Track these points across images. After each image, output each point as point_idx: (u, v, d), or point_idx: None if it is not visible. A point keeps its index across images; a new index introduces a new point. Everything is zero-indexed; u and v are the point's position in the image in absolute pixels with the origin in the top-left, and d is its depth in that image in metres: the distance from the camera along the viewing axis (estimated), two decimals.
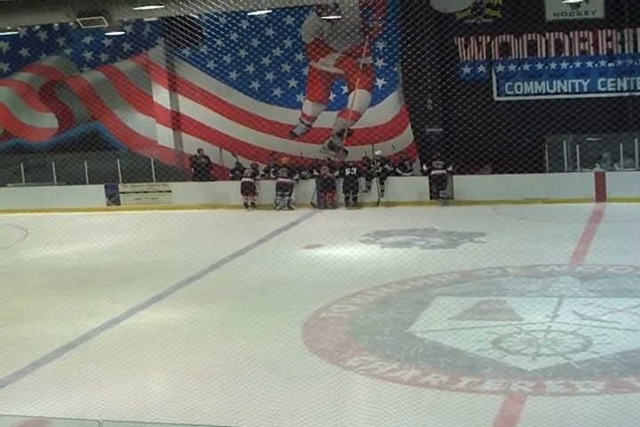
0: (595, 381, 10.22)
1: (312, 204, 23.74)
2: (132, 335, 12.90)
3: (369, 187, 23.60)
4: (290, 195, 23.77)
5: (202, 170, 25.29)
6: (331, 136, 25.37)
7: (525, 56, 23.76)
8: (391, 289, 14.76)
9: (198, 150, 25.55)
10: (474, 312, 13.20)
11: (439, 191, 22.90)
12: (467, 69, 24.20)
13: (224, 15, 24.01)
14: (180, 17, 20.24)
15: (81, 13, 15.20)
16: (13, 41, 27.20)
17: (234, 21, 24.76)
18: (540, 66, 23.74)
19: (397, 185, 23.51)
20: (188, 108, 26.49)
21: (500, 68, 23.99)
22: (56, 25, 25.92)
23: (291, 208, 23.68)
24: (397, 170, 23.69)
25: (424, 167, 23.38)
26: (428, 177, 23.09)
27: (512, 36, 23.71)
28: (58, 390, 10.79)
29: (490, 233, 18.85)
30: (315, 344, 12.14)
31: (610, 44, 23.14)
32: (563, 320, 12.50)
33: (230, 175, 25.09)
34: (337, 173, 23.76)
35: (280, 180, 23.77)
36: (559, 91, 23.65)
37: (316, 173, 23.94)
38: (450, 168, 22.88)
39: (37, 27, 26.04)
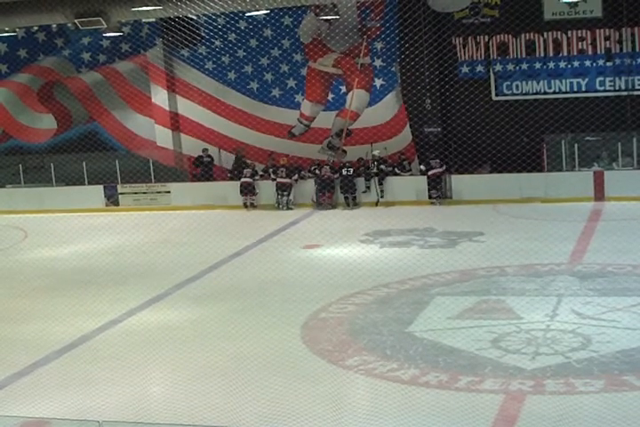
0: (594, 379, 10.23)
1: (313, 200, 23.74)
2: (131, 336, 12.91)
3: (368, 187, 23.60)
4: (289, 195, 23.79)
5: (206, 169, 25.41)
6: (329, 136, 25.38)
7: (523, 55, 23.77)
8: (390, 289, 14.77)
9: (203, 150, 25.62)
10: (473, 312, 13.21)
11: (431, 191, 22.89)
12: (465, 69, 24.22)
13: (222, 16, 24.03)
14: (178, 18, 20.23)
15: (79, 14, 15.21)
16: (12, 42, 27.23)
17: (232, 22, 24.79)
18: (538, 65, 23.75)
19: (396, 185, 23.52)
20: (187, 108, 26.49)
21: (499, 67, 24.01)
22: (54, 26, 25.94)
23: (290, 208, 23.69)
24: (396, 170, 23.71)
25: (422, 167, 23.40)
26: (426, 177, 23.11)
27: (510, 36, 23.73)
28: (58, 390, 10.79)
29: (488, 232, 18.87)
30: (314, 344, 12.15)
31: (608, 43, 23.15)
32: (562, 319, 12.52)
33: (229, 175, 25.15)
34: (336, 174, 23.78)
35: (279, 180, 23.79)
36: (557, 90, 23.67)
37: (317, 171, 23.96)
38: (444, 167, 22.91)
39: (36, 28, 26.06)
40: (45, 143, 27.54)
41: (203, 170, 25.58)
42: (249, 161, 25.36)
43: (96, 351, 12.41)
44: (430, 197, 23.00)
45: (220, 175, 25.74)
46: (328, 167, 23.81)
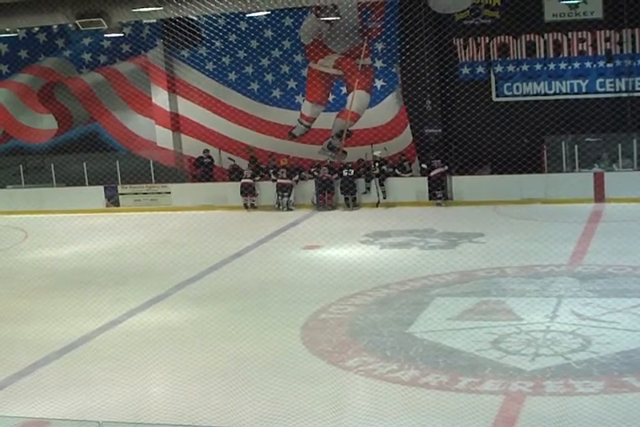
0: (594, 381, 10.24)
1: (312, 202, 23.78)
2: (131, 336, 12.93)
3: (368, 188, 23.62)
4: (289, 196, 23.80)
5: (206, 169, 25.48)
6: (330, 137, 25.39)
7: (524, 57, 23.78)
8: (390, 290, 14.78)
9: (204, 151, 25.66)
10: (473, 313, 13.22)
11: (436, 192, 22.92)
12: (465, 70, 24.23)
13: (223, 16, 24.05)
14: (178, 18, 20.25)
15: (80, 15, 15.21)
16: (12, 43, 27.25)
17: (232, 23, 24.80)
18: (538, 66, 23.76)
19: (396, 186, 23.53)
20: (187, 109, 26.50)
21: (499, 68, 24.01)
22: (55, 27, 25.95)
23: (290, 209, 23.71)
24: (396, 171, 23.71)
25: (424, 166, 23.40)
26: (427, 178, 23.12)
27: (511, 37, 23.74)
28: (58, 391, 10.80)
29: (489, 233, 18.87)
30: (314, 345, 12.16)
31: (608, 44, 23.15)
32: (562, 320, 12.53)
33: (229, 176, 25.22)
34: (335, 175, 23.80)
35: (279, 181, 23.81)
36: (558, 91, 23.67)
37: (316, 173, 23.99)
38: (446, 167, 22.96)
39: (36, 28, 26.06)
40: (46, 144, 27.55)
41: (203, 171, 25.64)
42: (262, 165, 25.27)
43: (96, 352, 12.42)
44: (435, 197, 22.97)
45: (221, 176, 25.75)
46: (326, 168, 23.83)
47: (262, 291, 15.19)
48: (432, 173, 22.97)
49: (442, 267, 15.77)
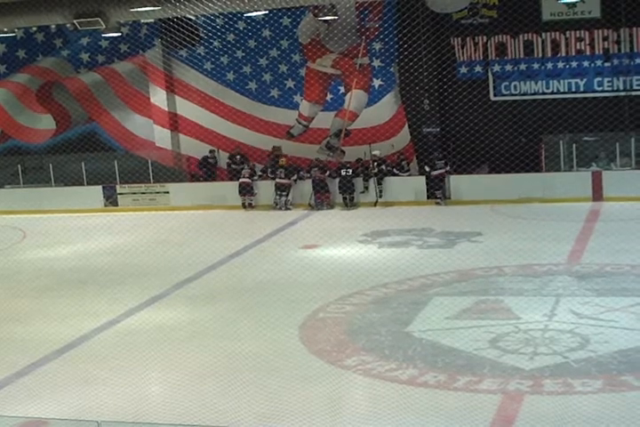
0: (592, 379, 10.25)
1: (309, 204, 23.79)
2: (130, 336, 12.93)
3: (366, 187, 23.63)
4: (287, 195, 23.81)
5: (207, 170, 25.52)
6: (328, 137, 25.38)
7: (522, 56, 23.80)
8: (389, 289, 14.79)
9: (210, 151, 25.68)
10: (471, 312, 13.23)
11: (436, 191, 22.94)
12: (463, 69, 24.24)
13: (221, 16, 24.04)
14: (176, 18, 20.26)
15: (78, 15, 15.25)
16: (10, 42, 27.26)
17: (230, 22, 24.78)
18: (536, 66, 23.78)
19: (395, 185, 23.54)
20: (186, 109, 26.51)
21: (497, 68, 24.03)
22: (53, 26, 25.96)
23: (288, 208, 23.71)
24: (395, 170, 23.73)
25: (426, 169, 23.37)
26: (426, 177, 23.14)
27: (508, 36, 23.75)
28: (56, 390, 10.80)
29: (487, 233, 18.88)
30: (312, 344, 12.16)
31: (606, 43, 23.18)
32: (560, 319, 12.54)
33: (227, 161, 25.16)
34: (327, 173, 23.79)
35: (278, 180, 23.81)
36: (555, 90, 23.69)
37: (309, 174, 23.99)
38: (448, 168, 23.01)
39: (34, 28, 26.08)
40: (44, 144, 27.56)
41: (206, 171, 25.64)
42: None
43: (95, 351, 12.42)
44: (435, 197, 22.98)
45: (220, 176, 25.77)
46: (317, 169, 23.81)
47: (260, 290, 15.20)
48: (433, 174, 22.99)
49: (440, 266, 15.78)
